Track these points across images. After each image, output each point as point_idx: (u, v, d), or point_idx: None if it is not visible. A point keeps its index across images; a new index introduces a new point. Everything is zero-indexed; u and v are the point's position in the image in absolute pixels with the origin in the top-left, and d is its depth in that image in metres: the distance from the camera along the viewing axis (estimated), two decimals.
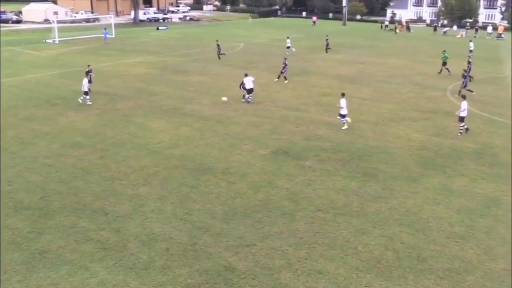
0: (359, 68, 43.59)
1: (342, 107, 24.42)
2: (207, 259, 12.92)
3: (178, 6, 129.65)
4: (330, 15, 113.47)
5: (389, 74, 40.35)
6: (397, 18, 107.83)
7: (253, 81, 27.54)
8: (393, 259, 13.00)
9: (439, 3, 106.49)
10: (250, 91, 27.02)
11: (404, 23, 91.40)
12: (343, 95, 24.72)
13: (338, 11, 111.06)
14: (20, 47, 56.59)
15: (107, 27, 65.10)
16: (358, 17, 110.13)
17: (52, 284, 11.90)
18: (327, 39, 55.23)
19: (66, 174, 18.64)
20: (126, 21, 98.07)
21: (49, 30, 68.62)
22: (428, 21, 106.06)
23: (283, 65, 36.80)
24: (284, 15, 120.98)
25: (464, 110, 23.30)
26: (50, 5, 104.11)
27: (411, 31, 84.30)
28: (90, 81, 31.50)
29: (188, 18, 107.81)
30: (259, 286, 11.82)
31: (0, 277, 12.12)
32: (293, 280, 12.06)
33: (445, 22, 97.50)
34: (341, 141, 22.78)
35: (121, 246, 13.57)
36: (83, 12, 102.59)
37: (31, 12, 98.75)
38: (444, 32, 79.91)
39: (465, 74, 32.32)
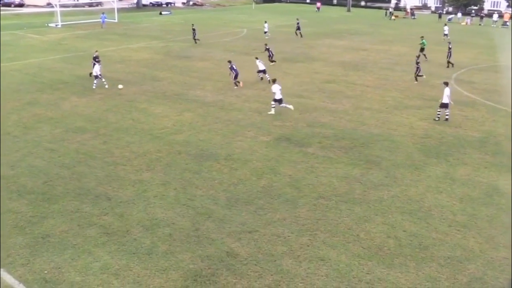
0: (362, 55, 43.37)
1: (274, 92, 24.39)
2: (209, 245, 12.99)
3: None
4: (335, 1, 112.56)
5: (393, 62, 40.14)
6: (401, 4, 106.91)
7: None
8: (395, 247, 13.05)
9: None
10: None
11: (408, 10, 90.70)
12: (274, 81, 24.69)
13: None
14: (23, 31, 56.40)
15: (109, 11, 64.77)
16: (363, 3, 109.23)
17: (56, 268, 11.99)
18: (298, 22, 55.36)
19: (69, 159, 18.69)
20: (129, 6, 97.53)
21: (52, 14, 68.34)
22: (433, 8, 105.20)
23: (267, 51, 38.16)
24: (288, 1, 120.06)
25: (446, 96, 23.53)
26: None
27: (415, 17, 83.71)
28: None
29: (191, 3, 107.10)
30: (261, 272, 11.88)
31: (0, 262, 12.22)
32: (295, 267, 12.12)
33: (450, 9, 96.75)
34: (344, 128, 22.75)
35: (124, 231, 13.64)
36: None
37: None
38: (449, 20, 79.31)
39: (418, 60, 32.78)
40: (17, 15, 79.02)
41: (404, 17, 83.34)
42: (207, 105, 26.30)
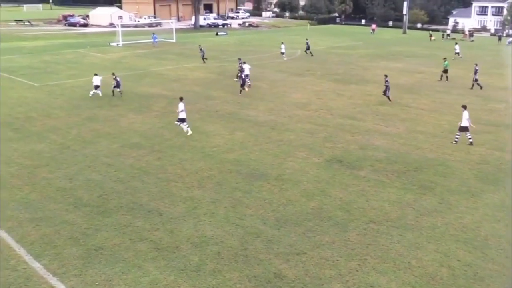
0: (418, 77, 42.60)
1: (181, 111, 24.08)
2: (257, 265, 12.98)
3: (238, 12, 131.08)
4: (390, 23, 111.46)
5: (449, 85, 39.16)
6: (459, 27, 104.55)
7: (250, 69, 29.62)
8: (448, 277, 12.60)
9: (505, 12, 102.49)
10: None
11: (466, 32, 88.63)
12: (181, 99, 24.50)
13: (398, 19, 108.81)
14: (86, 50, 58.93)
15: (167, 32, 66.61)
16: (419, 25, 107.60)
17: (106, 280, 12.29)
18: (307, 42, 56.27)
19: (124, 174, 19.23)
20: (187, 26, 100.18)
21: (114, 33, 71.21)
22: (492, 31, 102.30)
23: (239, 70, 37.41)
24: (343, 23, 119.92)
25: (465, 120, 23.21)
26: (115, 9, 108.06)
27: (473, 39, 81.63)
28: (117, 86, 33.07)
29: (247, 24, 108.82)
30: None
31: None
32: None
33: (511, 31, 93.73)
34: (397, 151, 22.33)
35: (173, 247, 13.84)
36: (146, 17, 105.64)
37: (97, 16, 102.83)
38: (509, 42, 76.84)
39: (386, 80, 32.43)
40: (82, 34, 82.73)
41: (462, 39, 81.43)
42: (259, 124, 26.49)
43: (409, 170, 20.03)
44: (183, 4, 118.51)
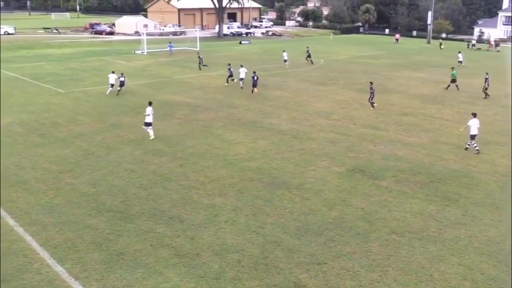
0: (442, 87, 42.11)
1: (147, 115, 24.89)
2: (277, 274, 12.95)
3: (261, 21, 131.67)
4: (414, 32, 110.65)
5: (474, 95, 38.65)
6: (485, 37, 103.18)
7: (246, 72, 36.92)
8: None
9: None
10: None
11: (492, 42, 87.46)
12: (150, 103, 25.38)
13: (422, 29, 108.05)
14: (111, 57, 59.82)
15: (191, 40, 67.14)
16: (444, 35, 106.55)
17: (128, 285, 12.40)
18: (308, 50, 57.25)
19: (146, 180, 19.42)
20: (211, 35, 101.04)
21: (139, 41, 72.14)
22: None
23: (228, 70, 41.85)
24: (366, 32, 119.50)
25: (469, 126, 23.55)
26: (140, 18, 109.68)
27: (499, 49, 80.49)
28: (122, 85, 36.61)
29: (270, 33, 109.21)
30: None
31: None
32: None
33: None
34: (420, 162, 22.09)
35: (194, 254, 13.91)
36: (171, 25, 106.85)
37: (123, 24, 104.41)
38: None
39: (372, 86, 33.02)
40: (108, 42, 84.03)
41: (487, 50, 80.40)
42: (281, 133, 26.50)
43: (433, 181, 19.79)
44: (207, 13, 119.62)
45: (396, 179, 20.00)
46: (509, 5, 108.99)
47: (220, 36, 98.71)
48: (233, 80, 41.47)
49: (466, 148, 24.02)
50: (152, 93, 37.12)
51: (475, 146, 23.66)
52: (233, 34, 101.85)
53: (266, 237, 14.96)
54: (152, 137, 25.03)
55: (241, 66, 39.98)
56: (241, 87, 38.79)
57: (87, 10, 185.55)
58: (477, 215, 16.74)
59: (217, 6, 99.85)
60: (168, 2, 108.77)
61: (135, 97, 35.87)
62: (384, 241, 14.86)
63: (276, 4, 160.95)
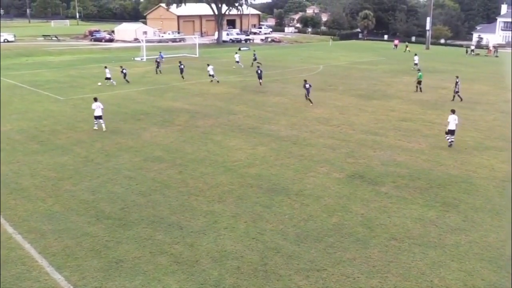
0: (441, 93, 42.19)
1: (95, 109, 27.70)
2: (277, 281, 12.89)
3: (260, 28, 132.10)
4: (413, 38, 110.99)
5: (473, 101, 38.71)
6: (484, 42, 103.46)
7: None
8: None
9: None
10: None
11: (491, 48, 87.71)
12: (95, 99, 28.13)
13: (421, 35, 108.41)
14: (111, 64, 59.82)
15: (191, 47, 67.11)
16: (442, 41, 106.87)
17: None
18: (254, 54, 60.27)
19: (145, 187, 19.39)
20: (210, 42, 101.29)
21: (138, 48, 72.30)
22: None
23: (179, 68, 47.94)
24: (365, 38, 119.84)
25: (449, 122, 25.11)
26: (140, 25, 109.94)
27: (497, 55, 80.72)
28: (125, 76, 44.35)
29: (269, 39, 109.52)
30: None
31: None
32: None
33: None
34: (420, 168, 22.07)
35: (193, 261, 13.85)
36: (170, 32, 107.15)
37: (122, 31, 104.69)
38: None
39: (305, 83, 35.84)
40: (107, 49, 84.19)
41: (486, 55, 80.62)
42: (280, 139, 26.49)
43: (432, 187, 19.76)
44: (207, 20, 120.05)
45: (396, 185, 19.97)
46: (507, 11, 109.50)
47: (220, 42, 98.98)
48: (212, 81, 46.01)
49: (450, 145, 25.32)
50: (152, 100, 37.16)
51: (449, 139, 25.40)
52: (232, 41, 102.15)
53: (266, 243, 14.91)
54: (103, 129, 27.59)
55: (208, 65, 46.08)
56: (211, 81, 45.27)
57: (87, 17, 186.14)
58: (477, 221, 16.70)
59: (216, 13, 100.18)
60: (168, 9, 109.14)
61: (135, 104, 35.90)
62: (384, 247, 14.81)
63: (275, 11, 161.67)
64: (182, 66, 48.62)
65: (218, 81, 45.24)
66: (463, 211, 17.50)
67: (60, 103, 36.25)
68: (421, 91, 42.11)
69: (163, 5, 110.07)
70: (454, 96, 38.60)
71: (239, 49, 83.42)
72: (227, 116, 32.11)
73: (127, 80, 44.96)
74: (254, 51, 64.82)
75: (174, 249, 14.52)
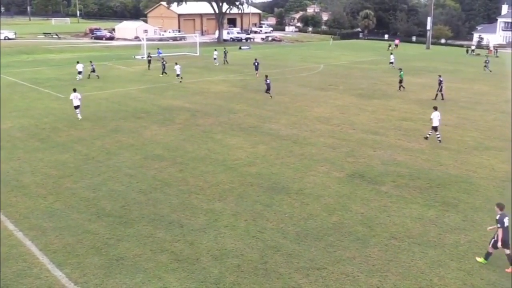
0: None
1: (72, 99, 29.63)
2: (277, 279, 12.94)
3: (261, 27, 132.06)
4: (413, 38, 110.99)
5: (474, 100, 38.76)
6: (484, 42, 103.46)
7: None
8: None
9: None
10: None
11: (491, 48, 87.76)
12: (74, 90, 30.06)
13: (421, 35, 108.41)
14: (111, 62, 59.91)
15: (191, 45, 67.15)
16: (443, 40, 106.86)
17: None
18: (225, 52, 61.69)
19: (146, 185, 19.43)
20: (211, 40, 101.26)
21: (139, 47, 72.29)
22: None
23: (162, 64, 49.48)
24: (366, 38, 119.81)
25: (432, 119, 25.99)
26: (140, 23, 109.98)
27: (498, 55, 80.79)
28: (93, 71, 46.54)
29: (270, 38, 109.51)
30: None
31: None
32: None
33: None
34: (420, 167, 22.11)
35: (193, 259, 13.90)
36: (170, 30, 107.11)
37: (123, 29, 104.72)
38: None
39: (266, 79, 38.15)
40: (107, 47, 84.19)
41: (487, 55, 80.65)
42: (281, 138, 26.53)
43: (432, 187, 19.80)
44: (207, 19, 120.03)
45: (396, 184, 20.01)
46: (508, 11, 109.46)
47: (220, 41, 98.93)
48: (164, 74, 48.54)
49: (426, 138, 26.60)
50: (152, 98, 37.19)
51: (438, 137, 26.12)
52: (233, 40, 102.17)
53: (266, 242, 14.96)
54: (80, 118, 29.77)
55: (176, 63, 46.33)
56: (180, 81, 44.82)
57: (87, 15, 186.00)
58: (477, 220, 16.75)
59: (217, 11, 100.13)
60: (168, 8, 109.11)
61: (135, 102, 35.93)
62: (384, 246, 14.86)
63: (276, 10, 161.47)
64: (164, 63, 50.16)
65: (180, 81, 44.97)
66: (463, 210, 17.55)
67: (60, 100, 36.26)
68: (403, 88, 42.43)
69: (164, 3, 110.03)
70: (436, 95, 38.74)
71: (240, 48, 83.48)
72: (228, 114, 32.15)
73: (94, 75, 46.75)
74: (225, 48, 66.82)
75: (174, 247, 14.57)
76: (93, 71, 46.58)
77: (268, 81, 38.21)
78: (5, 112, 31.77)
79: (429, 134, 26.67)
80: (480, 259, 14.01)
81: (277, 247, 14.61)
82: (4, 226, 15.75)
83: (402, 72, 43.07)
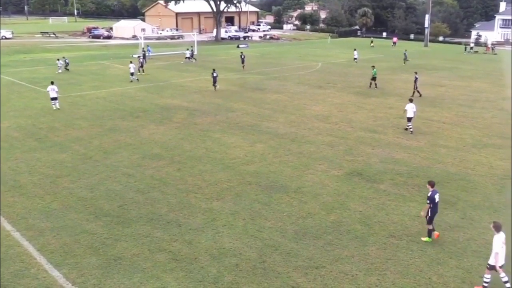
0: (440, 91, 42.21)
1: (48, 91, 32.30)
2: (275, 278, 12.90)
3: (259, 25, 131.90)
4: (412, 36, 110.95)
5: (472, 98, 38.74)
6: (482, 40, 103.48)
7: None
8: None
9: None
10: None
11: (489, 45, 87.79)
12: (52, 83, 32.90)
13: (419, 32, 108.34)
14: (109, 61, 59.78)
15: (189, 44, 67.05)
16: (441, 38, 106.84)
17: None
18: (191, 50, 61.96)
19: (144, 185, 19.37)
20: (209, 39, 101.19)
21: (136, 45, 72.12)
22: None
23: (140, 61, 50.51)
24: (364, 35, 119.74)
25: (406, 110, 27.52)
26: (138, 22, 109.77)
27: (496, 52, 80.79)
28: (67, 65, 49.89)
29: (268, 37, 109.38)
30: None
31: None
32: None
33: None
34: (418, 165, 22.08)
35: (192, 258, 13.86)
36: (168, 29, 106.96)
37: (121, 28, 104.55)
38: None
39: (213, 72, 40.14)
40: (105, 46, 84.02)
41: (484, 53, 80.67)
42: (279, 137, 26.49)
43: None
44: (205, 17, 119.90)
45: (394, 182, 19.98)
46: (506, 8, 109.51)
47: (218, 40, 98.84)
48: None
49: (406, 129, 27.82)
50: (150, 97, 37.11)
51: (410, 128, 27.57)
52: (231, 38, 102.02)
53: (264, 241, 14.92)
54: (58, 108, 32.19)
55: (131, 62, 46.63)
56: (131, 81, 44.17)
57: (85, 14, 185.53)
58: (475, 218, 16.73)
59: (214, 10, 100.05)
60: (166, 6, 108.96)
61: (133, 101, 35.85)
62: (382, 244, 14.83)
63: (274, 8, 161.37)
64: (142, 60, 51.18)
65: (137, 80, 44.74)
66: (461, 208, 17.52)
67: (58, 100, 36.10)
68: (376, 87, 42.04)
69: (162, 2, 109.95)
70: (414, 92, 38.71)
71: (238, 46, 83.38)
72: (226, 113, 32.09)
73: (67, 69, 51.33)
74: (191, 47, 66.73)
75: (172, 246, 14.53)
76: (67, 65, 51.89)
77: (215, 74, 39.93)
78: (2, 111, 31.68)
79: (408, 126, 27.72)
80: (425, 238, 14.98)
81: (275, 246, 14.58)
82: (2, 226, 15.71)
83: (375, 70, 42.64)
